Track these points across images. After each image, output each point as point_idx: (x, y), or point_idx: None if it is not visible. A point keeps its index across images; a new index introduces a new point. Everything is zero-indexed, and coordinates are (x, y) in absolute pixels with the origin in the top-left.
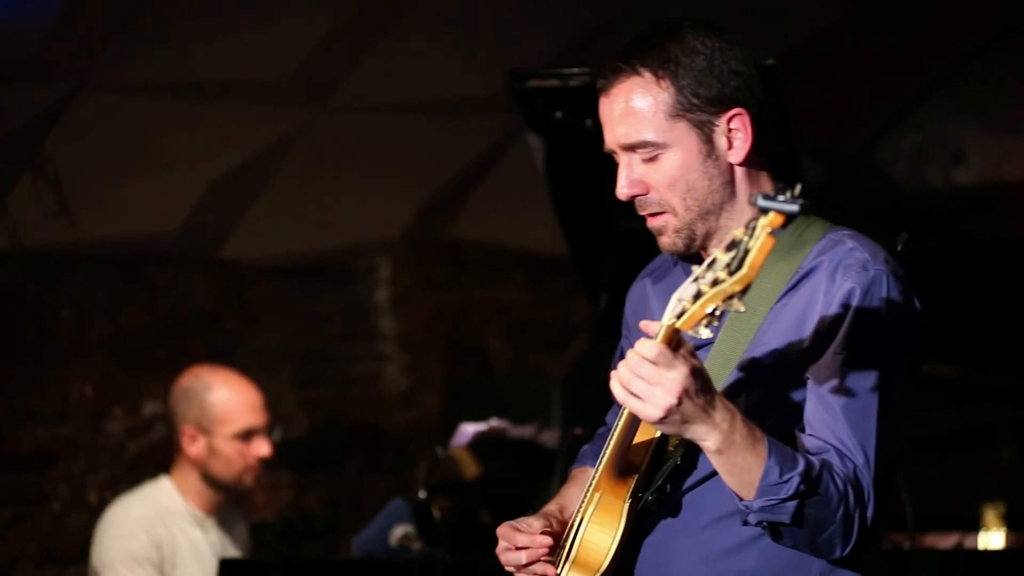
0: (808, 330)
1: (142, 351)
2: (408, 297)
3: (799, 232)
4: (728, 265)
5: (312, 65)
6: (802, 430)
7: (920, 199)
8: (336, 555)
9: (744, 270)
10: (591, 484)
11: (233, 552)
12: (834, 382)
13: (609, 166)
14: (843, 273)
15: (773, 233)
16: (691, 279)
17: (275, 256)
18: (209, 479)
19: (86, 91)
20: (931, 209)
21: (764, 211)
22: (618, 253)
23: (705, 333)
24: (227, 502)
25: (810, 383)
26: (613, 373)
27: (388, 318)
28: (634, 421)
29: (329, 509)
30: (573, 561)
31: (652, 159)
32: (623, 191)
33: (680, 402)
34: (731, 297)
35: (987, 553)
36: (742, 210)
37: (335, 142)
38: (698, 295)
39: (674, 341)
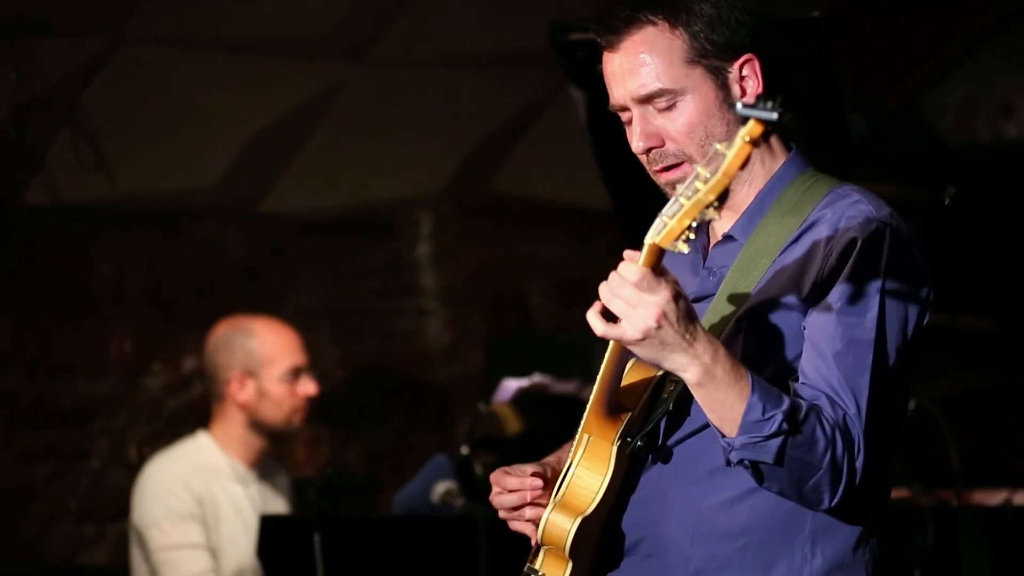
0: (808, 281)
1: (181, 307)
2: (450, 252)
3: (806, 187)
4: (706, 177)
5: (352, 19)
6: (797, 380)
7: (968, 152)
8: (377, 512)
9: (718, 175)
10: (580, 425)
11: (275, 505)
12: (829, 331)
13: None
14: (845, 225)
15: (784, 185)
16: (673, 197)
17: (315, 211)
18: (257, 425)
19: (124, 45)
20: (979, 163)
21: (744, 119)
22: (661, 207)
23: (683, 248)
24: (268, 455)
25: (807, 332)
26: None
27: (430, 273)
28: (621, 356)
29: (370, 465)
30: (559, 502)
31: (669, 108)
32: (639, 145)
33: (659, 325)
34: (708, 207)
35: None
36: (753, 160)
37: (376, 96)
38: (678, 209)
39: (658, 267)
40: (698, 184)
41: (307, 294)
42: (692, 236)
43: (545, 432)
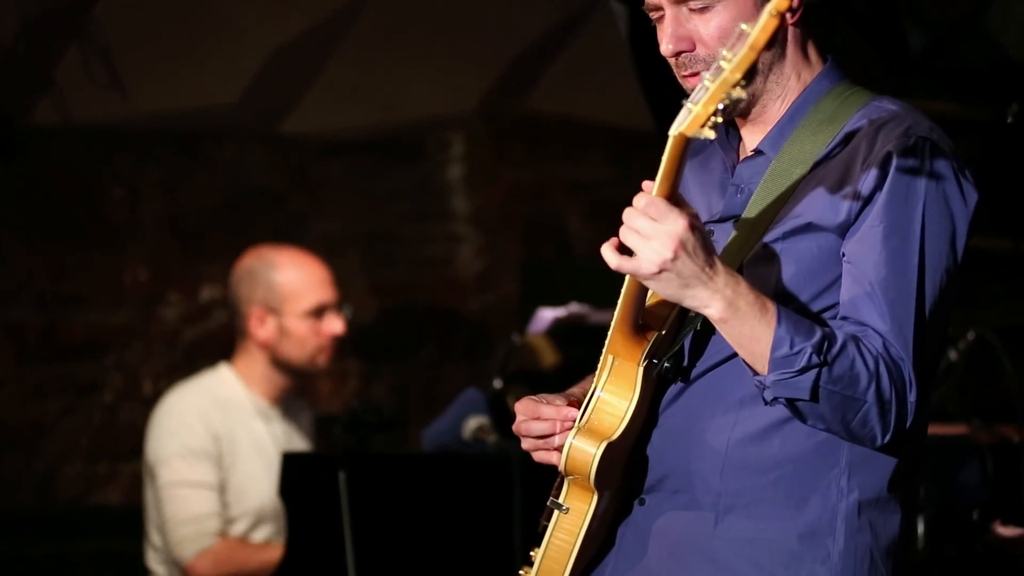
0: (844, 200)
1: (199, 233)
2: (483, 174)
3: (841, 99)
4: (730, 57)
5: None
6: (832, 306)
7: None
8: (406, 448)
9: (744, 50)
10: (604, 347)
11: (298, 444)
12: (870, 257)
13: None
14: (883, 139)
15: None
16: (698, 86)
17: (341, 131)
18: (279, 363)
19: None
20: None
21: None
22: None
23: (709, 134)
24: (292, 391)
25: (845, 257)
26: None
27: (462, 197)
28: None
29: (399, 400)
30: (585, 427)
31: (704, 10)
32: (668, 47)
33: (676, 256)
34: (735, 86)
35: None
36: (789, 73)
37: (405, 9)
38: (703, 94)
39: (673, 196)
40: (723, 64)
41: (332, 219)
42: (719, 120)
43: (582, 364)
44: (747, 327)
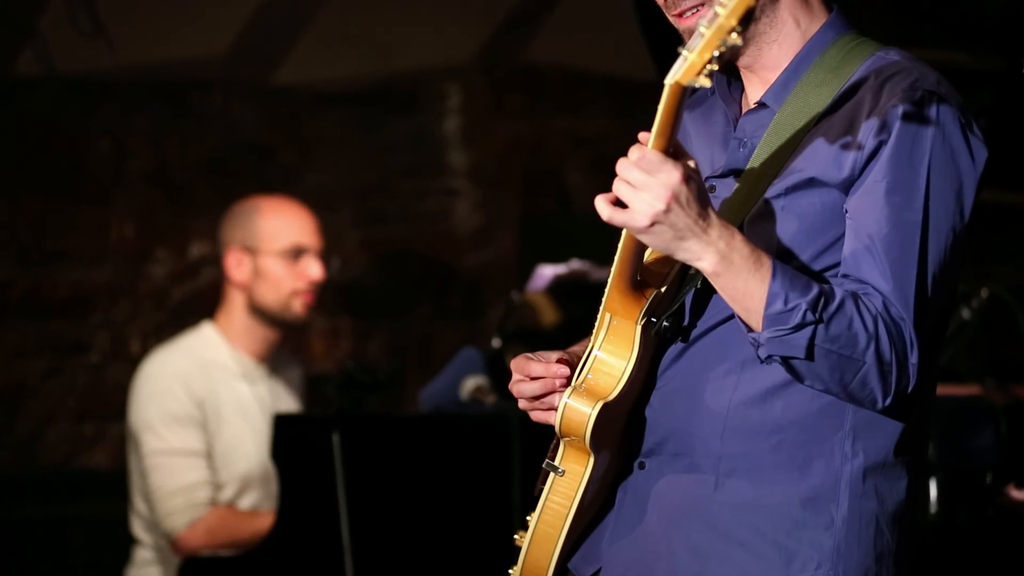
0: (848, 155)
1: (187, 187)
2: (480, 127)
3: (846, 51)
4: (726, 2)
5: None
6: (836, 265)
7: None
8: (402, 409)
9: None
10: (601, 305)
11: (285, 404)
12: (873, 214)
13: None
14: (889, 92)
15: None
16: (695, 33)
17: (334, 81)
18: (256, 310)
19: None
20: None
21: None
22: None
23: (705, 83)
24: (280, 348)
25: (848, 215)
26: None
27: (458, 150)
28: None
29: (394, 359)
30: (581, 387)
31: None
32: None
33: (668, 208)
34: (731, 32)
35: None
36: (785, 17)
37: None
38: (699, 41)
39: (671, 147)
40: (718, 9)
41: (325, 172)
42: (715, 68)
43: (583, 322)
44: (741, 281)
